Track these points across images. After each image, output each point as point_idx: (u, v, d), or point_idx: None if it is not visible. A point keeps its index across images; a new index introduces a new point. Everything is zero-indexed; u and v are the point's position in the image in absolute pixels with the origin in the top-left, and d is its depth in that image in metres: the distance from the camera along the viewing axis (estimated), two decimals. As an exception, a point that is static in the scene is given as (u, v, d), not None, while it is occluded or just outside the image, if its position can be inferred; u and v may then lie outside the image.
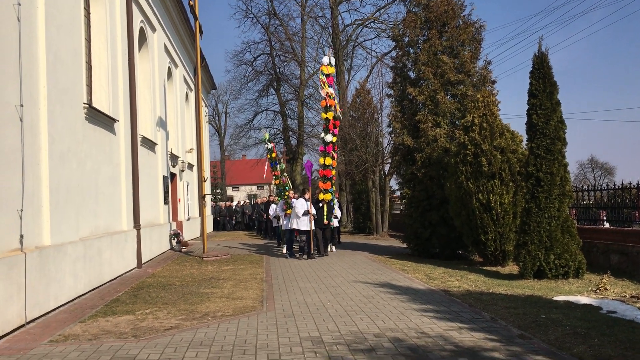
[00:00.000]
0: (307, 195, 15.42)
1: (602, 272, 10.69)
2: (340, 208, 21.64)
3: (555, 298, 8.61)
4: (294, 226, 15.29)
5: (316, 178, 17.31)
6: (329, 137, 15.38)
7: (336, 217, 17.65)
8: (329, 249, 16.81)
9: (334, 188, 15.95)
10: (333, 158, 15.63)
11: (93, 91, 11.59)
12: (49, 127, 8.31)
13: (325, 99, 15.37)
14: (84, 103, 10.24)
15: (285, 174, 18.61)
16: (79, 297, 9.24)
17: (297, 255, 15.28)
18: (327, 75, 15.51)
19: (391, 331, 6.59)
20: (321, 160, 15.65)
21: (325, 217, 15.49)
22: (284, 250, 16.23)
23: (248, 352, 5.80)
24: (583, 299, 8.44)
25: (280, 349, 5.92)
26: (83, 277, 9.43)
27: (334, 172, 15.98)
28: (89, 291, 9.77)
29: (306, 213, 15.07)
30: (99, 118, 11.12)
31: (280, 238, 18.37)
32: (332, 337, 6.39)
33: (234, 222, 32.67)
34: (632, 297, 8.61)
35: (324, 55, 15.74)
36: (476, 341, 6.07)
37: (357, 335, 6.45)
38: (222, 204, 35.46)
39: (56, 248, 8.32)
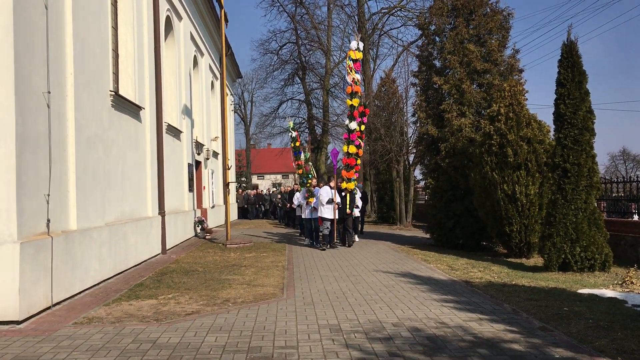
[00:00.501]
0: (333, 184, 15.18)
1: (629, 266, 10.48)
2: (366, 198, 21.50)
3: (579, 291, 8.48)
4: (319, 214, 15.04)
5: (341, 167, 16.91)
6: (353, 125, 15.10)
7: (357, 206, 17.23)
8: (354, 238, 16.34)
9: (355, 177, 15.67)
10: (358, 147, 15.32)
11: (119, 79, 11.74)
12: (76, 114, 8.45)
13: (351, 85, 14.99)
14: (111, 90, 10.39)
15: (310, 162, 18.49)
16: (104, 280, 9.43)
17: (321, 245, 14.92)
18: (355, 61, 15.10)
19: (410, 321, 6.58)
20: (345, 148, 15.39)
21: (347, 206, 15.36)
22: (307, 242, 16.12)
23: (266, 338, 5.85)
24: (608, 292, 8.29)
25: (299, 335, 5.96)
26: (108, 262, 9.61)
27: (358, 161, 15.68)
28: (114, 275, 9.96)
29: (330, 201, 14.86)
30: (125, 105, 11.26)
31: (302, 227, 18.15)
32: (351, 325, 6.40)
33: (263, 209, 32.64)
34: (659, 291, 8.42)
35: (351, 41, 15.38)
36: (496, 332, 6.02)
37: (375, 324, 6.46)
38: (251, 191, 35.54)
39: (82, 233, 8.48)
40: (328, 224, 14.96)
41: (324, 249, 14.55)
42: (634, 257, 11.73)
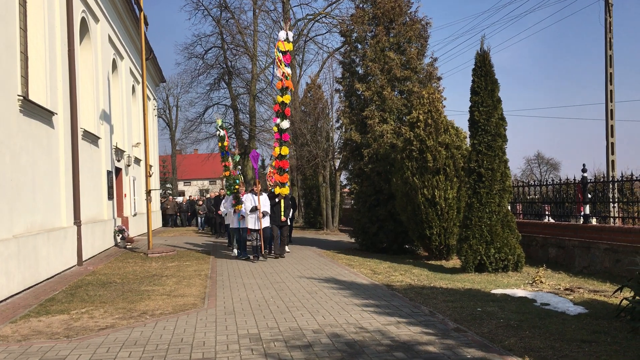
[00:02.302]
0: (256, 189, 13.80)
1: (540, 265, 11.02)
2: (294, 204, 20.52)
3: (493, 291, 8.82)
4: (245, 224, 13.87)
5: (264, 171, 15.52)
6: (285, 124, 13.98)
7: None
8: (286, 249, 15.13)
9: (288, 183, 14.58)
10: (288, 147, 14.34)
11: (29, 83, 11.15)
12: (-22, 120, 7.95)
13: (281, 79, 13.91)
14: (19, 95, 9.84)
15: (238, 166, 17.52)
16: (12, 296, 8.89)
17: (251, 257, 13.65)
18: (284, 53, 14.02)
19: (330, 327, 6.61)
20: (276, 150, 14.13)
21: (282, 213, 14.20)
22: (235, 252, 14.81)
23: (183, 351, 5.70)
24: (519, 292, 8.67)
25: (217, 347, 5.85)
26: (17, 276, 9.08)
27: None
28: (23, 290, 9.41)
29: (254, 209, 13.58)
30: (35, 111, 10.70)
31: (230, 236, 16.62)
32: (271, 334, 6.35)
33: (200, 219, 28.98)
34: (566, 289, 8.91)
35: (279, 33, 14.18)
36: (412, 335, 6.15)
37: (296, 331, 6.44)
38: (182, 198, 34.24)
39: (-14, 246, 7.97)
40: (255, 234, 13.65)
41: (254, 262, 13.28)
42: (544, 257, 12.36)
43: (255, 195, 13.73)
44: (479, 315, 7.13)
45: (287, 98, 14.02)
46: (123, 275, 11.24)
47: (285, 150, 14.12)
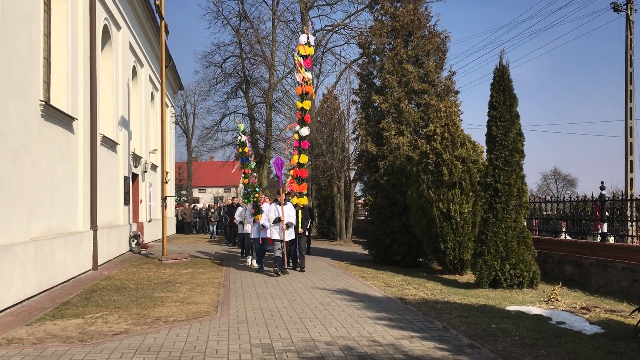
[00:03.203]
0: (280, 198, 12.84)
1: (556, 283, 10.90)
2: (312, 215, 20.07)
3: (507, 308, 8.74)
4: (268, 234, 12.85)
5: (283, 181, 14.52)
6: (305, 131, 13.29)
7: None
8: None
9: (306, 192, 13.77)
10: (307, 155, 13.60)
11: (51, 88, 11.32)
12: (1, 123, 8.09)
13: (301, 84, 13.32)
14: (41, 100, 10.00)
15: (254, 174, 17.14)
16: (28, 299, 8.98)
17: (273, 271, 12.55)
18: (305, 57, 13.35)
19: (343, 339, 6.58)
20: (295, 158, 13.43)
21: (300, 224, 13.32)
22: (249, 262, 14.29)
23: (196, 359, 5.71)
24: (534, 309, 8.58)
25: (230, 355, 5.85)
26: (33, 279, 9.17)
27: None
28: (39, 293, 9.50)
29: (278, 220, 12.63)
30: (56, 116, 10.85)
31: (244, 247, 16.03)
32: (283, 344, 6.35)
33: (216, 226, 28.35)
34: (582, 308, 8.79)
35: (300, 37, 13.43)
36: (426, 350, 6.10)
37: (308, 342, 6.42)
38: (203, 204, 34.23)
39: (4, 248, 8.07)
40: (279, 245, 12.66)
41: (277, 275, 12.34)
42: (560, 275, 12.22)
43: (279, 204, 12.77)
44: (493, 331, 7.06)
45: (307, 104, 13.42)
46: (137, 281, 11.30)
47: (304, 159, 13.43)
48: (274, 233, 12.71)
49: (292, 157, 13.82)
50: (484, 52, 75.36)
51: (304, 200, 13.60)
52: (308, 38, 13.47)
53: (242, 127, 15.63)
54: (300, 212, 13.45)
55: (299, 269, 13.36)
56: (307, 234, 14.82)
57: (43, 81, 10.60)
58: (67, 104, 11.62)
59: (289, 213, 12.79)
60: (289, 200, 13.13)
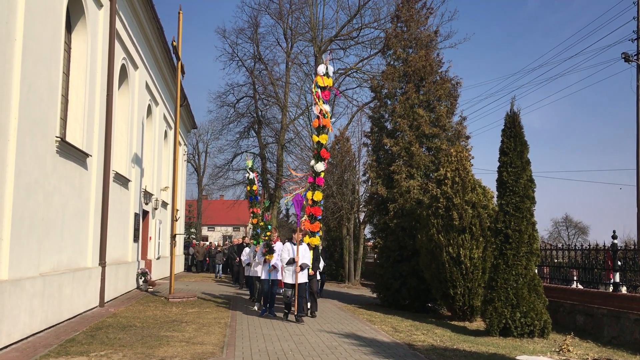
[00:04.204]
0: (296, 237, 12.02)
1: (567, 333, 10.68)
2: (326, 255, 19.62)
3: (518, 357, 8.55)
4: (280, 277, 12.25)
5: (293, 222, 13.91)
6: (320, 166, 12.61)
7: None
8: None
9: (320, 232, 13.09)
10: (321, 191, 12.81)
11: (67, 125, 11.54)
12: (17, 159, 8.20)
13: (318, 117, 12.69)
14: (57, 136, 10.16)
15: (268, 212, 16.54)
16: (33, 334, 8.93)
17: (283, 315, 11.98)
18: (323, 89, 12.76)
19: (349, 385, 6.47)
20: (309, 195, 12.65)
21: (311, 266, 12.30)
22: (256, 307, 13.37)
23: (200, 402, 5.62)
24: (545, 360, 8.40)
25: (234, 399, 5.76)
26: (40, 314, 9.14)
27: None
28: (45, 329, 9.45)
29: (292, 262, 11.85)
30: (71, 152, 11.02)
31: (252, 289, 14.99)
32: (289, 389, 6.24)
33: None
34: (594, 359, 8.60)
35: (319, 67, 12.94)
36: (434, 399, 5.97)
37: (314, 388, 6.31)
38: (214, 242, 34.17)
39: (13, 283, 8.08)
40: (291, 291, 11.90)
41: (284, 320, 11.81)
42: (572, 324, 12.00)
43: (294, 244, 12.01)
44: (503, 382, 6.91)
45: (323, 138, 12.71)
46: (143, 319, 11.22)
47: (318, 196, 12.60)
48: (287, 275, 11.95)
49: (306, 195, 13.04)
50: (496, 98, 76.23)
51: (316, 240, 12.86)
52: (327, 69, 12.90)
53: (250, 163, 15.12)
54: (312, 252, 12.54)
55: (311, 314, 12.60)
56: (317, 276, 13.91)
57: (60, 118, 10.80)
58: (82, 140, 11.80)
59: (303, 254, 12.02)
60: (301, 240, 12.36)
